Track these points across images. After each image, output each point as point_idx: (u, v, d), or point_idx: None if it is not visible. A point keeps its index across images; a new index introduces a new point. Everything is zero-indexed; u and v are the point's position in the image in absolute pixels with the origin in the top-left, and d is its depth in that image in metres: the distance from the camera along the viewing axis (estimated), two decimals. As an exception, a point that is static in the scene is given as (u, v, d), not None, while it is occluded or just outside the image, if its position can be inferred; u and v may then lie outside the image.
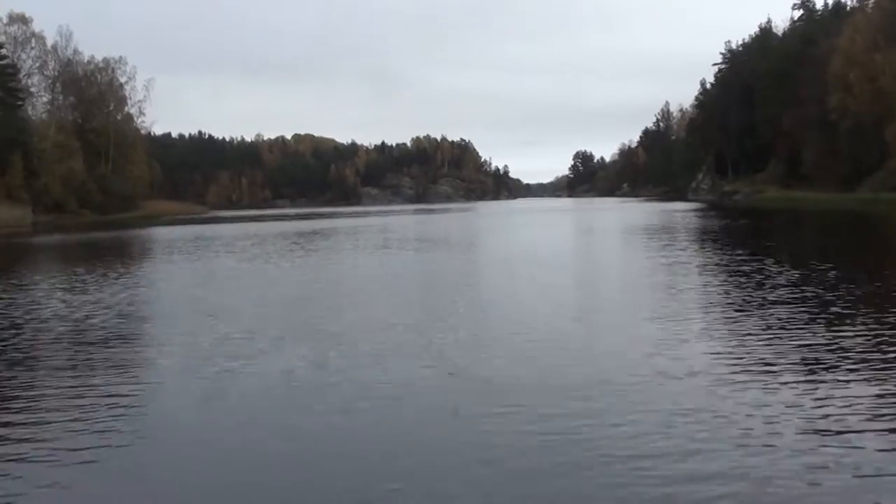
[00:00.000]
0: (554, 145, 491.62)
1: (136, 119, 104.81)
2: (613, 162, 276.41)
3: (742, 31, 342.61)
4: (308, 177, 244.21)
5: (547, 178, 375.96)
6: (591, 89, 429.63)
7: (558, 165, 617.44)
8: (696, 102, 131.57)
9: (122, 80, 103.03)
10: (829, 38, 75.20)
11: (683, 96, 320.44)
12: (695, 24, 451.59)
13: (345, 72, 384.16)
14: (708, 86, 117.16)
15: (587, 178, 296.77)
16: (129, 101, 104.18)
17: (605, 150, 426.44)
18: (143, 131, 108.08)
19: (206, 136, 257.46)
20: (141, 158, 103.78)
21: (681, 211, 58.53)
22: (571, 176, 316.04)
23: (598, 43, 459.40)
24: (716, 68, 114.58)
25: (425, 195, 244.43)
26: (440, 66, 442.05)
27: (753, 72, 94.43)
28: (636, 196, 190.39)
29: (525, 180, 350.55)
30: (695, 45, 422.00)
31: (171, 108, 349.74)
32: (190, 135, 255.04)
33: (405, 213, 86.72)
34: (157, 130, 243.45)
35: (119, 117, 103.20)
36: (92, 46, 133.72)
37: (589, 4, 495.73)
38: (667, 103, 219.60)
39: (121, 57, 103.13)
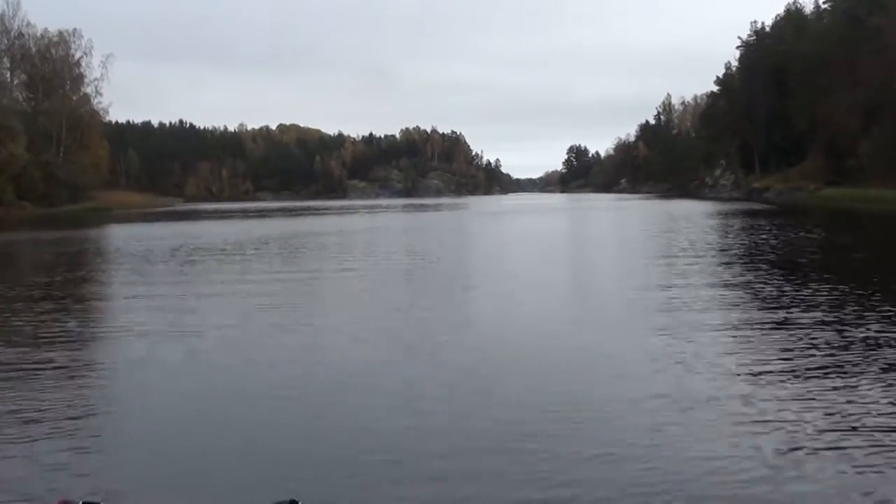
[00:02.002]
0: (540, 140, 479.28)
1: (92, 100, 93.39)
2: (609, 157, 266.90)
3: (737, 23, 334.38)
4: (292, 168, 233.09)
5: (534, 173, 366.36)
6: (578, 84, 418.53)
7: (545, 160, 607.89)
8: (711, 92, 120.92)
9: (77, 55, 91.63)
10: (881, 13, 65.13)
11: (676, 89, 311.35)
12: (682, 16, 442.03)
13: (333, 62, 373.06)
14: (733, 70, 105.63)
15: (582, 174, 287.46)
16: (85, 80, 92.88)
17: (593, 144, 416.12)
18: (101, 113, 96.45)
19: (188, 125, 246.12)
20: (98, 144, 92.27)
21: (717, 215, 45.44)
22: (564, 171, 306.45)
23: (585, 36, 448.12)
24: (738, 53, 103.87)
25: (415, 189, 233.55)
26: (429, 58, 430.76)
27: (787, 54, 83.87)
28: (636, 192, 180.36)
29: (513, 175, 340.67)
30: (686, 38, 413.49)
31: (152, 96, 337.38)
32: (170, 123, 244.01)
33: (393, 211, 75.28)
34: (137, 118, 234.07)
35: (75, 98, 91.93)
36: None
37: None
38: (668, 96, 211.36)
39: (75, 29, 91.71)
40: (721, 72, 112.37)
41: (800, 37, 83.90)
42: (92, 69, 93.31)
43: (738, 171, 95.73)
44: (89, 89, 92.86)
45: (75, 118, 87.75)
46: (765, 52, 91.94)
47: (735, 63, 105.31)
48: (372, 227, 38.60)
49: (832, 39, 73.75)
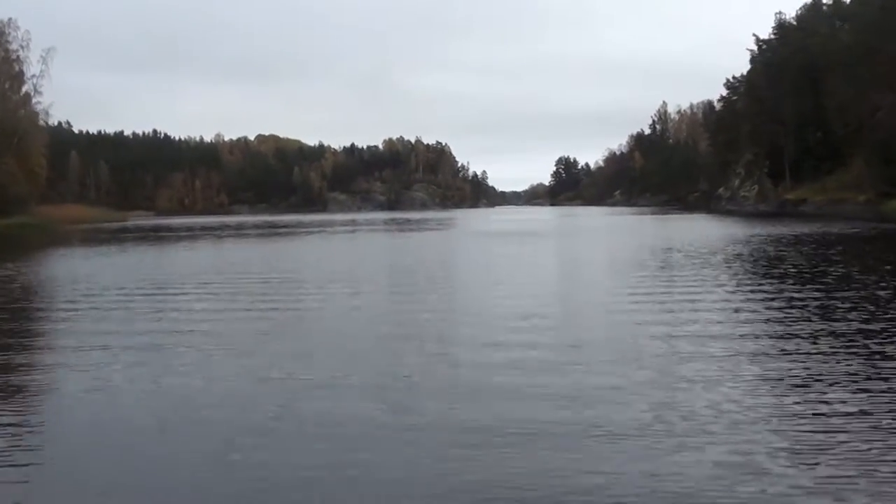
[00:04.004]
0: (524, 152, 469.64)
1: (31, 100, 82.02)
2: (600, 168, 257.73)
3: (727, 30, 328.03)
4: (270, 180, 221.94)
5: (519, 186, 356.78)
6: (563, 94, 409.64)
7: (529, 173, 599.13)
8: (721, 96, 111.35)
9: (13, 48, 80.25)
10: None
11: (666, 99, 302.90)
12: (669, 25, 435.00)
13: (313, 72, 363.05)
14: (757, 68, 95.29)
15: (571, 186, 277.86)
16: (24, 77, 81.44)
17: (580, 156, 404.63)
18: (41, 116, 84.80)
19: (162, 136, 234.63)
20: (37, 150, 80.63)
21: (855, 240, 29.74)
22: (553, 183, 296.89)
23: (570, 46, 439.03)
24: (749, 54, 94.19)
25: (398, 201, 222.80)
26: (413, 67, 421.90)
27: (822, 48, 74.05)
28: (631, 205, 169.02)
29: (497, 188, 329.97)
30: (674, 46, 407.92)
31: (128, 108, 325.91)
32: (144, 133, 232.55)
33: (372, 229, 62.02)
34: (109, 129, 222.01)
35: (15, 98, 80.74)
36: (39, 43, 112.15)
37: (553, 5, 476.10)
38: (664, 104, 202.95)
39: (10, 19, 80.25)
40: (717, 78, 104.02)
41: (837, 28, 74.20)
42: (30, 65, 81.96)
43: (763, 181, 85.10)
44: (27, 87, 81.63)
45: (11, 122, 76.51)
46: (793, 47, 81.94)
47: (747, 63, 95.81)
48: (350, 270, 23.21)
49: (881, 28, 64.02)
